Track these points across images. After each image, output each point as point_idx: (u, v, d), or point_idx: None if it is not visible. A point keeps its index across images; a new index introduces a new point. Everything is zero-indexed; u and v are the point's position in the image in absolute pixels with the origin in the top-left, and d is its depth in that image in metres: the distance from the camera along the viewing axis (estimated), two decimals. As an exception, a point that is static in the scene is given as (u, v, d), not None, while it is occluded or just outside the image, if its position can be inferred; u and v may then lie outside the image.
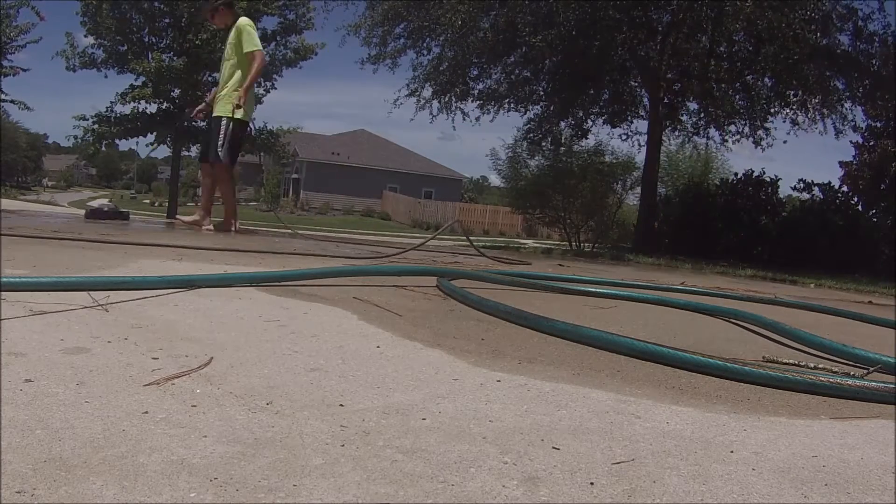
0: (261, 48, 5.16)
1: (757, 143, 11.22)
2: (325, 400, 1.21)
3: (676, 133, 11.99)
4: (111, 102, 13.45)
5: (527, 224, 27.85)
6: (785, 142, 17.23)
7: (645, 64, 10.19)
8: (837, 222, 9.73)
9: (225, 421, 1.05)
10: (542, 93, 11.70)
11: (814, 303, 3.55)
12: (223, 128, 5.04)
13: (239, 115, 5.04)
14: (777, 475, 1.01)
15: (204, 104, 5.53)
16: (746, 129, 11.30)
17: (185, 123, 13.66)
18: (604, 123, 12.09)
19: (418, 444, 1.02)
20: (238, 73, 5.08)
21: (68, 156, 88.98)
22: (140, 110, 13.38)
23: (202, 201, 5.53)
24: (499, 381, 1.43)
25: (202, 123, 5.60)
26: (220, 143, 5.04)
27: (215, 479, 0.85)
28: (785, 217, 10.35)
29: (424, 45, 10.91)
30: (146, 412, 1.06)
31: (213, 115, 5.18)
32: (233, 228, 5.39)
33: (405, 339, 1.78)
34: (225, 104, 5.07)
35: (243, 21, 5.14)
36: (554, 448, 1.05)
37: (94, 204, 5.92)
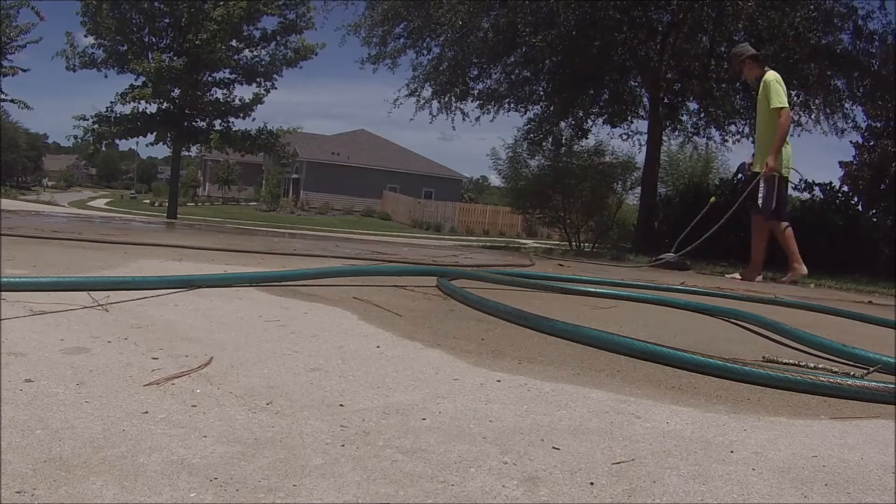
0: (786, 106, 5.10)
1: (757, 144, 11.22)
2: (325, 400, 1.21)
3: (676, 133, 11.99)
4: (111, 102, 13.49)
5: (527, 224, 27.86)
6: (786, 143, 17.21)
7: (645, 64, 10.18)
8: (837, 222, 9.72)
9: (225, 421, 1.05)
10: (542, 93, 11.70)
11: (814, 303, 3.55)
12: (761, 183, 5.09)
13: (780, 172, 5.08)
14: (777, 475, 1.01)
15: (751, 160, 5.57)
16: (747, 129, 11.30)
17: (186, 124, 13.68)
18: (604, 123, 12.09)
19: (418, 444, 1.02)
20: (768, 132, 5.09)
21: (68, 156, 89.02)
22: (140, 110, 13.41)
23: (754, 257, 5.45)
24: (499, 381, 1.43)
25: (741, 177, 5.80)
26: (759, 196, 5.10)
27: (215, 479, 0.85)
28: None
29: (424, 45, 10.91)
30: (146, 412, 1.06)
31: (755, 171, 5.24)
32: (750, 278, 5.28)
33: (405, 339, 1.78)
34: (760, 159, 5.13)
35: (770, 76, 5.11)
36: (554, 448, 1.05)
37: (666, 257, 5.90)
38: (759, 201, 5.13)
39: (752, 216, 5.34)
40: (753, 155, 5.49)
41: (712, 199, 6.59)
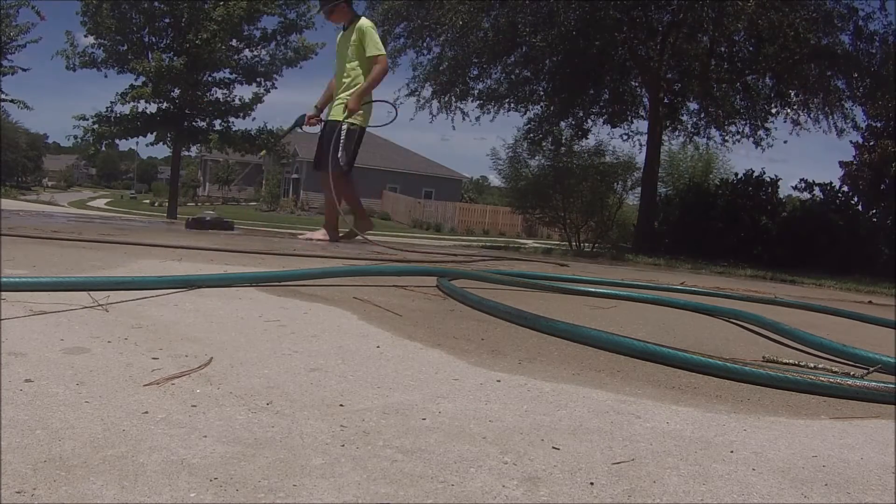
0: (384, 52, 4.91)
1: (757, 144, 11.24)
2: (325, 400, 1.21)
3: (677, 133, 12.00)
4: (111, 102, 13.49)
5: (527, 224, 27.87)
6: (785, 142, 17.24)
7: (645, 64, 10.19)
8: (837, 222, 9.73)
9: (225, 421, 1.05)
10: (542, 93, 11.71)
11: (814, 303, 3.55)
12: (343, 133, 4.82)
13: (357, 120, 4.86)
14: (777, 475, 1.01)
15: (315, 110, 5.26)
16: (747, 129, 11.32)
17: (186, 124, 13.69)
18: (604, 123, 12.11)
19: (418, 444, 1.02)
20: (360, 80, 4.86)
21: (68, 156, 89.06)
22: (140, 110, 13.41)
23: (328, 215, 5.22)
24: (499, 381, 1.43)
25: (314, 129, 5.31)
26: (340, 152, 4.84)
27: (215, 479, 0.85)
28: (785, 217, 10.35)
29: (424, 44, 10.92)
30: (146, 412, 1.06)
31: (329, 119, 4.94)
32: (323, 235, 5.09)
33: (405, 339, 1.78)
34: (339, 108, 4.86)
35: (365, 22, 4.90)
36: (554, 448, 1.05)
37: (200, 215, 5.68)
38: (340, 155, 4.84)
39: (329, 171, 4.90)
40: (318, 106, 5.22)
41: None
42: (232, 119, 14.16)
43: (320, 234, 5.19)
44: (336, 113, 4.91)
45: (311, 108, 5.34)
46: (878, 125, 11.23)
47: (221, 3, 12.56)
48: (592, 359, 1.71)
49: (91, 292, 1.94)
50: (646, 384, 1.51)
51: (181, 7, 12.72)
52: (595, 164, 11.43)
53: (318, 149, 5.10)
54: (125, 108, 13.29)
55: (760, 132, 11.16)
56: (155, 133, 13.77)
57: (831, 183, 11.00)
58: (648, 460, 1.03)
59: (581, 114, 11.90)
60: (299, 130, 5.63)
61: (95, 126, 13.30)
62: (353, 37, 4.85)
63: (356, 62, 4.87)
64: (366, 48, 4.81)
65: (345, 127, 4.85)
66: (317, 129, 5.28)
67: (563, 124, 12.01)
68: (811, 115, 10.85)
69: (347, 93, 4.89)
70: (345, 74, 4.93)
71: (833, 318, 3.19)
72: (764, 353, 1.93)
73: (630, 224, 12.02)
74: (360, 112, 4.89)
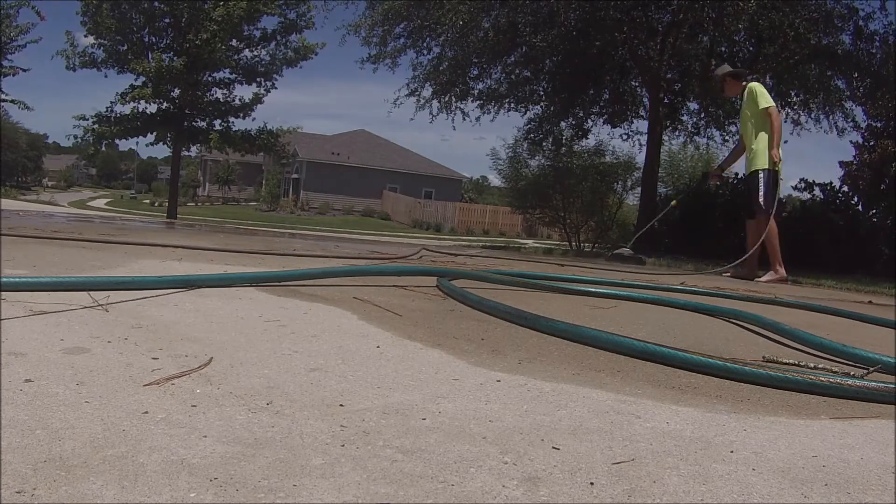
0: (774, 104, 5.43)
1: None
2: (325, 400, 1.21)
3: (677, 133, 12.00)
4: (111, 102, 13.48)
5: (527, 224, 27.87)
6: (786, 141, 17.27)
7: (645, 64, 10.18)
8: (838, 222, 9.73)
9: (225, 421, 1.05)
10: (542, 93, 11.71)
11: (814, 303, 3.55)
12: (761, 179, 5.30)
13: (776, 167, 5.31)
14: (777, 475, 1.01)
15: (716, 171, 6.41)
16: (747, 129, 11.30)
17: (186, 124, 13.69)
18: (604, 123, 12.10)
19: (418, 444, 1.02)
20: (762, 132, 5.36)
21: (68, 156, 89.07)
22: (140, 110, 13.41)
23: (771, 256, 5.49)
24: (499, 381, 1.43)
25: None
26: (760, 194, 5.28)
27: (215, 479, 0.85)
28: (785, 217, 10.34)
29: (424, 44, 10.91)
30: (146, 412, 1.06)
31: (749, 172, 5.47)
32: (777, 274, 5.41)
33: (405, 339, 1.78)
34: (760, 160, 5.34)
35: (753, 84, 5.53)
36: (554, 448, 1.05)
37: (619, 251, 6.31)
38: (761, 200, 5.29)
39: (756, 216, 5.41)
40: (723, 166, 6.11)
41: (673, 202, 7.09)
42: (232, 119, 14.17)
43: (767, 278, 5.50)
44: (757, 164, 5.42)
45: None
46: (878, 125, 11.23)
47: (221, 3, 12.56)
48: (592, 359, 1.71)
49: (91, 292, 1.94)
50: (646, 384, 1.51)
51: (181, 7, 12.72)
52: (595, 164, 11.44)
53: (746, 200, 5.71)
54: (125, 108, 13.30)
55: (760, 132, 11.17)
56: (155, 133, 13.77)
57: (831, 183, 11.00)
58: (648, 460, 1.03)
59: (581, 114, 11.89)
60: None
61: (95, 126, 13.30)
62: (747, 98, 5.50)
63: (753, 120, 5.45)
64: (758, 103, 5.40)
65: (763, 174, 5.38)
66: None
67: (563, 124, 12.01)
68: (811, 116, 10.86)
69: (757, 148, 5.43)
70: (749, 132, 5.55)
71: (833, 318, 3.19)
72: (764, 353, 1.93)
73: (630, 224, 12.02)
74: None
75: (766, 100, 5.35)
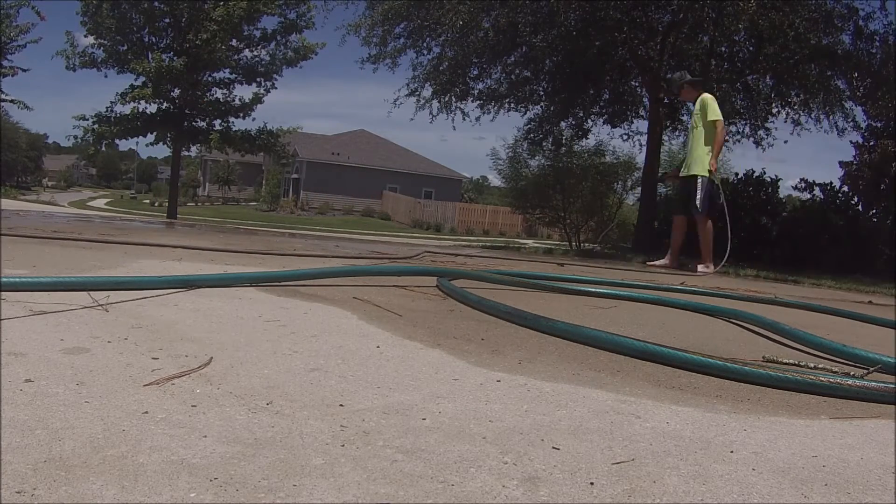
0: (721, 118, 5.89)
1: (757, 144, 11.24)
2: (325, 400, 1.21)
3: (677, 133, 11.99)
4: (111, 102, 13.46)
5: (527, 224, 27.85)
6: (786, 142, 17.21)
7: (645, 64, 10.18)
8: (838, 222, 9.72)
9: (225, 421, 1.05)
10: (542, 93, 11.69)
11: (814, 303, 3.55)
12: (699, 185, 5.76)
13: (711, 175, 5.82)
14: (777, 475, 1.01)
15: (671, 172, 6.69)
16: (747, 129, 11.31)
17: (186, 124, 13.69)
18: (604, 123, 12.08)
19: (418, 444, 1.02)
20: (705, 142, 5.81)
21: (68, 156, 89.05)
22: (140, 110, 13.39)
23: (672, 247, 6.16)
24: (499, 380, 1.43)
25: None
26: (697, 198, 5.76)
27: (215, 479, 0.85)
28: (785, 217, 10.34)
29: (424, 44, 10.90)
30: (146, 412, 1.06)
31: (688, 175, 5.91)
32: (709, 268, 5.87)
33: (405, 339, 1.78)
34: (699, 166, 5.80)
35: (706, 95, 5.98)
36: (554, 448, 1.05)
37: None
38: (698, 202, 5.78)
39: (693, 215, 5.90)
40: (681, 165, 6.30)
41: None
42: (232, 119, 14.16)
43: (661, 262, 6.15)
44: (695, 170, 5.88)
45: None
46: (878, 125, 11.21)
47: (221, 3, 12.55)
48: (592, 359, 1.71)
49: (91, 292, 1.95)
50: (646, 384, 1.51)
51: (181, 7, 12.71)
52: (595, 164, 11.42)
53: (679, 200, 6.27)
54: (125, 108, 13.28)
55: (761, 132, 11.17)
56: (155, 133, 13.75)
57: (831, 183, 10.98)
58: (648, 460, 1.03)
59: (581, 114, 11.88)
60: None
61: (95, 126, 13.28)
62: (698, 107, 5.94)
63: (700, 128, 5.88)
64: (707, 115, 5.83)
65: (700, 180, 5.83)
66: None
67: (563, 124, 11.99)
68: (811, 116, 10.84)
69: (698, 154, 5.89)
70: (692, 140, 6.00)
71: (833, 318, 3.19)
72: (764, 353, 1.93)
73: (630, 224, 12.01)
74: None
75: (714, 113, 5.81)
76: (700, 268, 5.86)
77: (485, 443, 1.05)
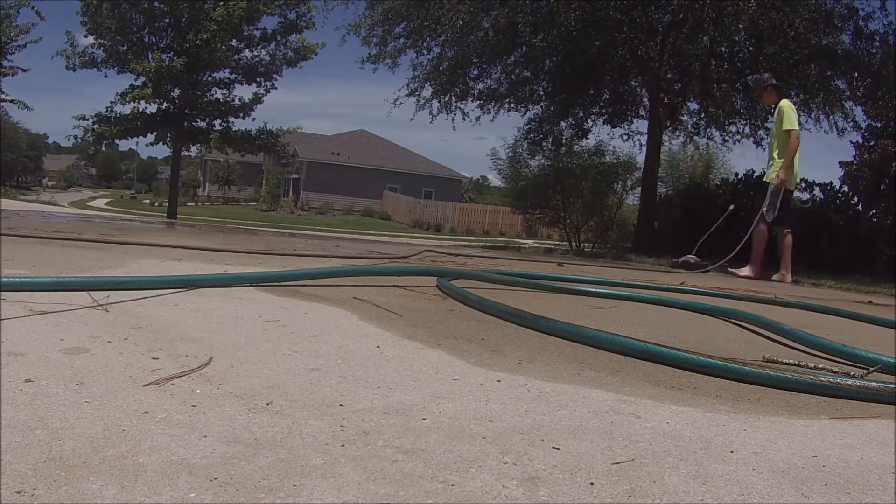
0: (797, 128, 5.79)
1: (757, 144, 11.24)
2: (325, 400, 1.21)
3: (677, 133, 12.00)
4: (111, 102, 13.46)
5: (527, 224, 27.83)
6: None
7: (645, 64, 10.18)
8: (838, 222, 9.72)
9: (225, 421, 1.05)
10: (542, 93, 11.70)
11: (814, 303, 3.55)
12: (769, 192, 5.71)
13: (786, 185, 5.73)
14: (777, 475, 1.01)
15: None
16: (747, 129, 11.32)
17: (186, 124, 13.68)
18: (604, 123, 12.09)
19: (418, 444, 1.02)
20: (781, 150, 5.74)
21: (68, 156, 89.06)
22: (140, 110, 13.39)
23: (753, 256, 5.92)
24: (499, 381, 1.43)
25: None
26: (765, 205, 5.71)
27: (215, 479, 0.85)
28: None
29: (424, 44, 10.90)
30: (146, 412, 1.06)
31: (764, 181, 5.89)
32: (751, 273, 5.80)
33: (405, 339, 1.78)
34: (771, 173, 5.78)
35: (784, 103, 5.86)
36: (554, 448, 1.05)
37: (685, 258, 6.63)
38: (764, 209, 5.70)
39: (758, 222, 5.84)
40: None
41: (731, 206, 7.06)
42: (232, 119, 14.15)
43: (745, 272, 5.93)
44: (767, 177, 5.88)
45: None
46: (878, 125, 11.21)
47: (221, 3, 12.55)
48: (592, 359, 1.71)
49: (91, 292, 1.94)
50: (646, 384, 1.51)
51: (181, 7, 12.71)
52: (595, 164, 11.42)
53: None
54: (125, 109, 13.27)
55: (760, 132, 11.17)
56: (155, 133, 13.74)
57: (831, 183, 10.99)
58: (648, 460, 1.03)
59: (581, 114, 11.89)
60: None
61: (95, 126, 13.28)
62: (777, 114, 5.84)
63: (778, 135, 5.84)
64: (783, 123, 5.74)
65: (771, 188, 5.76)
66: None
67: (563, 124, 12.00)
68: (811, 116, 10.85)
69: (774, 161, 5.83)
70: (773, 146, 5.94)
71: (833, 318, 3.19)
72: (764, 353, 1.93)
73: (630, 224, 12.01)
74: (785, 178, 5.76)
75: (790, 122, 5.70)
76: (745, 270, 5.80)
77: (485, 443, 1.05)
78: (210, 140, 13.74)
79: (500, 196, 32.91)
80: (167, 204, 17.06)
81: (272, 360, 1.45)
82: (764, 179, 5.92)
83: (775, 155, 5.79)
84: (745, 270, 5.82)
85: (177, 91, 13.37)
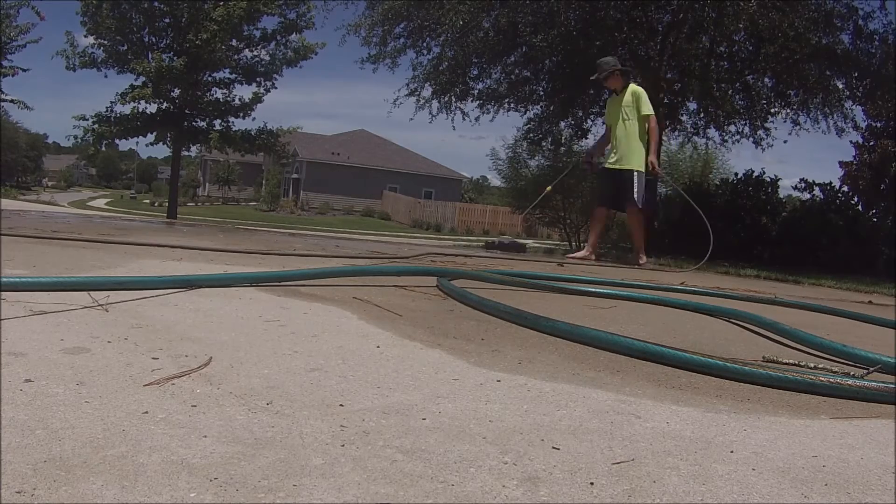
0: (654, 113, 5.92)
1: (757, 144, 11.23)
2: (325, 400, 1.21)
3: (676, 133, 11.99)
4: (111, 102, 13.47)
5: (527, 224, 27.84)
6: (785, 141, 17.22)
7: (645, 64, 10.18)
8: (838, 222, 9.73)
9: (225, 421, 1.05)
10: (542, 93, 11.68)
11: (814, 303, 3.55)
12: (636, 178, 5.73)
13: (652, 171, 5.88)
14: (777, 475, 1.01)
15: (588, 156, 6.68)
16: (746, 129, 11.31)
17: (186, 124, 13.69)
18: (604, 123, 12.09)
19: (418, 444, 1.02)
20: (639, 135, 5.79)
21: (68, 156, 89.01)
22: (140, 110, 13.40)
23: (592, 239, 6.19)
24: (499, 380, 1.43)
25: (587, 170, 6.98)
26: (634, 191, 5.73)
27: (215, 479, 0.85)
28: (785, 217, 10.35)
29: (424, 44, 10.90)
30: (146, 412, 1.06)
31: (623, 169, 5.82)
32: (641, 261, 5.94)
33: (405, 339, 1.78)
34: (636, 160, 5.76)
35: (639, 88, 5.94)
36: (554, 448, 1.05)
37: (499, 239, 6.78)
38: (636, 196, 5.76)
39: (627, 209, 6.01)
40: (593, 155, 6.60)
41: (548, 188, 7.49)
42: (232, 119, 14.16)
43: (581, 254, 6.11)
44: (631, 164, 5.82)
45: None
46: (878, 125, 11.22)
47: (221, 3, 12.56)
48: (592, 359, 1.71)
49: (91, 292, 1.94)
50: (646, 384, 1.51)
51: (181, 7, 12.71)
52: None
53: (607, 192, 6.22)
54: (125, 108, 13.28)
55: (760, 132, 11.17)
56: (155, 133, 13.75)
57: (831, 183, 10.99)
58: (648, 460, 1.03)
59: (581, 114, 11.88)
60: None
61: (95, 126, 13.29)
62: (629, 98, 5.85)
63: (632, 120, 5.83)
64: (641, 109, 5.80)
65: (636, 174, 5.80)
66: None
67: (562, 124, 11.99)
68: (811, 116, 10.84)
69: (631, 147, 5.86)
70: (622, 132, 5.93)
71: (833, 318, 3.19)
72: (764, 353, 1.93)
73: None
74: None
75: (648, 107, 5.81)
76: (642, 260, 5.95)
77: (485, 443, 1.05)
78: (210, 140, 13.75)
79: (500, 196, 32.91)
80: (167, 204, 17.06)
81: (272, 360, 1.45)
82: (625, 167, 5.82)
83: (634, 141, 5.78)
84: (643, 259, 6.01)
85: (177, 91, 13.37)
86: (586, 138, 12.05)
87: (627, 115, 5.83)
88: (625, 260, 7.22)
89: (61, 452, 0.89)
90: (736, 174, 11.60)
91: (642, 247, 6.07)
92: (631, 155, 5.79)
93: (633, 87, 5.94)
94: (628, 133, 5.82)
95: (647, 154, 5.79)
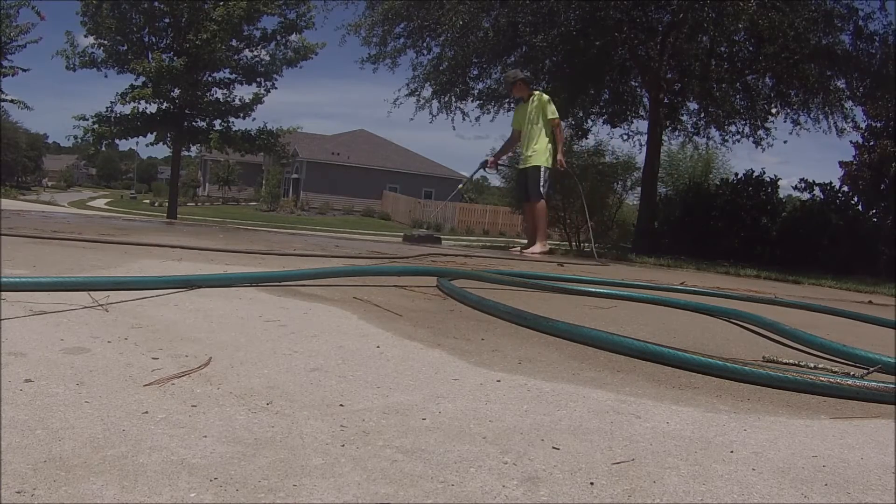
0: (559, 117, 6.66)
1: (757, 143, 11.23)
2: (325, 400, 1.21)
3: (676, 133, 11.99)
4: (111, 102, 13.45)
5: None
6: (785, 142, 17.22)
7: (645, 64, 10.18)
8: (838, 222, 9.73)
9: (225, 421, 1.05)
10: (541, 93, 11.68)
11: (814, 303, 3.55)
12: (542, 174, 6.37)
13: (549, 164, 6.47)
14: (777, 475, 1.01)
15: (495, 157, 7.29)
16: (747, 129, 11.31)
17: (186, 124, 13.68)
18: (604, 123, 12.08)
19: (418, 444, 1.02)
20: (545, 137, 6.42)
21: (68, 156, 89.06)
22: (140, 110, 13.39)
23: (540, 233, 6.59)
24: (499, 380, 1.43)
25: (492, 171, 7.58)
26: (540, 184, 6.36)
27: (215, 479, 0.85)
28: (785, 217, 10.35)
29: (424, 44, 10.90)
30: (146, 412, 1.06)
31: (529, 166, 6.48)
32: (545, 248, 6.55)
33: (405, 339, 1.78)
34: (542, 158, 6.39)
35: (544, 94, 6.59)
36: (554, 448, 1.05)
37: (414, 232, 7.32)
38: (541, 188, 6.38)
39: (532, 202, 6.52)
40: (497, 156, 7.26)
41: (460, 185, 7.72)
42: (232, 119, 14.14)
43: (540, 249, 6.54)
44: (537, 161, 6.44)
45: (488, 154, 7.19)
46: (878, 125, 11.22)
47: (221, 3, 12.55)
48: (592, 359, 1.71)
49: (91, 292, 1.94)
50: (646, 384, 1.51)
51: (181, 7, 12.69)
52: (595, 164, 11.42)
53: (520, 189, 6.98)
54: (125, 109, 13.26)
55: (760, 132, 11.16)
56: (155, 133, 13.74)
57: (831, 183, 10.99)
58: (648, 460, 1.03)
59: (581, 114, 11.88)
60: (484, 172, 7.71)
61: (95, 126, 13.27)
62: (536, 104, 6.49)
63: (540, 124, 6.45)
64: (546, 113, 6.45)
65: (543, 170, 6.42)
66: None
67: (562, 124, 11.99)
68: (811, 116, 10.84)
69: (539, 147, 6.47)
70: (531, 133, 6.55)
71: (833, 318, 3.19)
72: (764, 353, 1.93)
73: (630, 224, 12.01)
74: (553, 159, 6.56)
75: (554, 112, 6.48)
76: (537, 247, 6.37)
77: (485, 443, 1.05)
78: (210, 140, 13.73)
79: (500, 196, 32.92)
80: (167, 204, 17.05)
81: (272, 360, 1.45)
82: (533, 164, 6.40)
83: (540, 142, 6.39)
84: (537, 248, 6.39)
85: (177, 91, 13.36)
86: (586, 138, 12.06)
87: (535, 119, 6.46)
88: (625, 260, 7.23)
89: (61, 452, 0.89)
90: (736, 174, 11.61)
91: (544, 237, 6.59)
92: (538, 154, 6.42)
93: (538, 94, 6.57)
94: (535, 135, 6.44)
95: (556, 153, 6.44)
